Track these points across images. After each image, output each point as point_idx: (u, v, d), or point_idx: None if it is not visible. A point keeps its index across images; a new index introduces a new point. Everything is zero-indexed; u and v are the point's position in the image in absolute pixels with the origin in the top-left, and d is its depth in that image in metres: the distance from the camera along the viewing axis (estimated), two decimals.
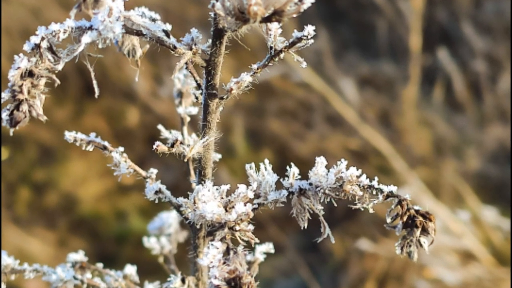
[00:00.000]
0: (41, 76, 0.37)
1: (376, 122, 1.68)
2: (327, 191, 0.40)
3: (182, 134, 0.51)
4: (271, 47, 0.40)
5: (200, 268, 0.45)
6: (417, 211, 0.40)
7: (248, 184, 0.39)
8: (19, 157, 1.81)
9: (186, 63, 0.40)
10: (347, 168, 0.40)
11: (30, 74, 0.37)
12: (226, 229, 0.36)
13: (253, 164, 0.42)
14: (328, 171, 0.41)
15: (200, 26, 0.47)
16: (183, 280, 0.44)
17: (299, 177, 0.42)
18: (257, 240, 0.37)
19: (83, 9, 0.39)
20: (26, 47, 0.37)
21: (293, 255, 1.53)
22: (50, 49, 0.37)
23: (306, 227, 0.41)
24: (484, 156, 1.62)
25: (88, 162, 1.80)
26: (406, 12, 1.67)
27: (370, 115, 1.69)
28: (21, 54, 0.37)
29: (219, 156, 0.49)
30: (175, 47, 0.39)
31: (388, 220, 0.41)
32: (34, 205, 1.76)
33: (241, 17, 0.34)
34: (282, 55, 0.40)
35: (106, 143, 0.44)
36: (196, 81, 0.41)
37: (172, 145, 0.40)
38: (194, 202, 0.37)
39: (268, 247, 0.52)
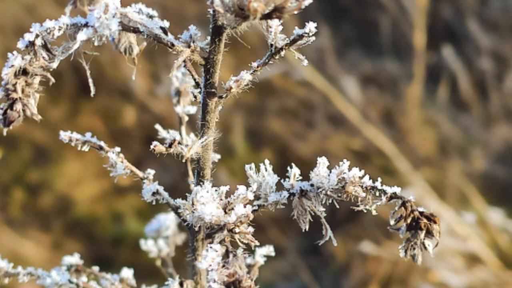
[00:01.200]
0: (36, 75, 0.36)
1: (379, 121, 1.67)
2: (329, 193, 0.39)
3: (180, 134, 0.50)
4: (271, 45, 0.39)
5: (199, 272, 0.45)
6: (421, 213, 0.39)
7: (248, 185, 0.38)
8: (12, 157, 1.81)
9: (184, 61, 0.40)
10: (350, 169, 0.40)
11: (24, 72, 0.36)
12: (225, 232, 0.35)
13: (253, 165, 0.41)
14: (330, 172, 0.40)
15: (198, 23, 0.46)
16: (181, 284, 0.43)
17: (300, 178, 0.41)
18: (257, 243, 0.36)
19: (79, 5, 0.38)
20: (20, 44, 0.36)
21: (294, 258, 1.52)
22: (44, 46, 0.36)
23: (307, 229, 0.41)
24: (490, 156, 1.61)
25: (84, 163, 1.80)
26: (410, 8, 1.65)
27: (373, 115, 1.68)
28: (15, 52, 0.36)
29: (218, 156, 0.48)
30: (173, 45, 0.38)
31: (392, 222, 0.40)
32: (28, 206, 1.77)
33: (240, 13, 0.33)
34: (282, 53, 0.39)
35: (102, 143, 0.43)
36: (195, 80, 0.41)
37: (170, 145, 0.40)
38: (193, 204, 0.36)
39: (269, 249, 0.51)
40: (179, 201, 0.40)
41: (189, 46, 0.39)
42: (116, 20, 0.35)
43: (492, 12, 1.82)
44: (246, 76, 0.39)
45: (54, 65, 0.37)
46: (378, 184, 0.40)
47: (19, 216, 1.74)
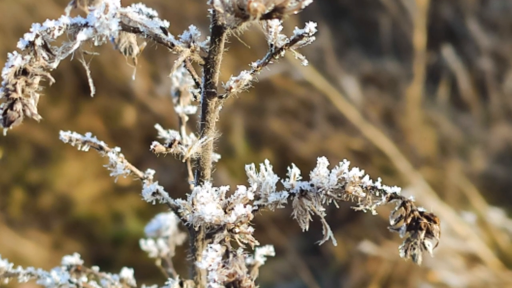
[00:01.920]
0: (36, 75, 0.36)
1: (379, 121, 1.67)
2: (329, 193, 0.39)
3: (180, 134, 0.50)
4: (271, 45, 0.39)
5: (199, 272, 0.45)
6: (421, 213, 0.39)
7: (248, 185, 0.38)
8: (13, 157, 1.81)
9: (184, 61, 0.40)
10: (350, 169, 0.40)
11: (24, 72, 0.36)
12: (225, 232, 0.35)
13: (253, 165, 0.41)
14: (330, 172, 0.40)
15: (198, 23, 0.46)
16: (181, 284, 0.43)
17: (300, 178, 0.41)
18: (257, 243, 0.36)
19: (79, 5, 0.38)
20: (20, 44, 0.36)
21: (294, 258, 1.53)
22: (44, 46, 0.36)
23: (307, 229, 0.41)
24: (490, 156, 1.61)
25: (84, 163, 1.80)
26: (410, 8, 1.66)
27: (373, 115, 1.68)
28: (15, 52, 0.36)
29: (218, 156, 0.48)
30: (173, 45, 0.38)
31: (392, 222, 0.40)
32: (28, 206, 1.77)
33: (240, 13, 0.33)
34: (282, 53, 0.39)
35: (102, 143, 0.43)
36: (195, 80, 0.41)
37: (170, 145, 0.40)
38: (193, 204, 0.37)
39: (269, 249, 0.51)
40: (179, 201, 0.40)
41: (189, 46, 0.39)
42: (116, 20, 0.35)
43: (492, 12, 1.82)
44: (246, 76, 0.39)
45: (54, 65, 0.37)
46: (378, 184, 0.40)
47: (19, 216, 1.74)
